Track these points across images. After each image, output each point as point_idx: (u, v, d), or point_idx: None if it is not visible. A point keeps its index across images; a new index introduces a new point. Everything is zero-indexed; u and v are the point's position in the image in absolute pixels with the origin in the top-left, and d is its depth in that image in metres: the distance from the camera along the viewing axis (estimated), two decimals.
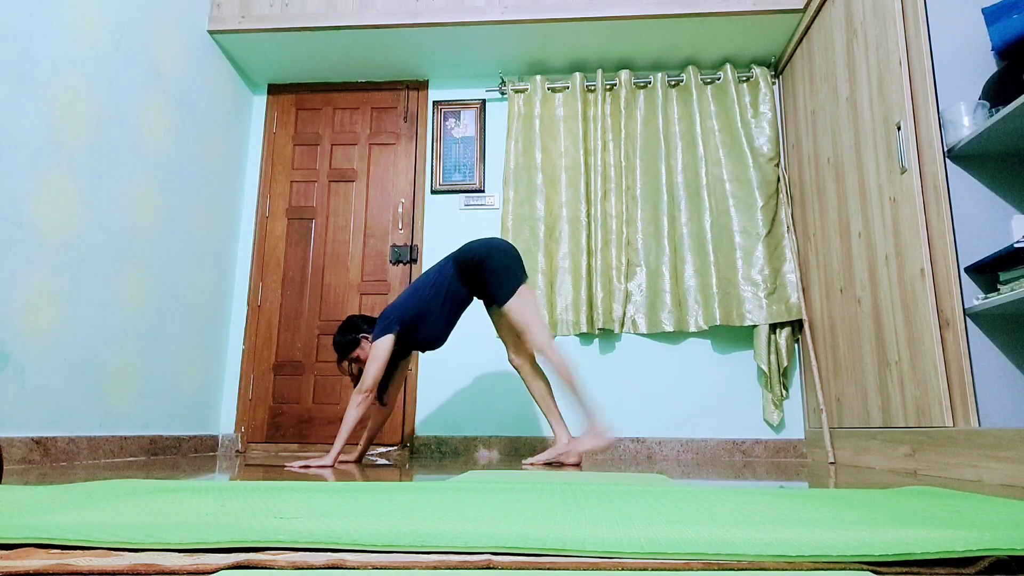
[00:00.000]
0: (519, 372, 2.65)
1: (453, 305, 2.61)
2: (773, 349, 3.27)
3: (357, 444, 3.07)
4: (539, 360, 2.60)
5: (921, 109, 2.17)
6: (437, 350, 3.50)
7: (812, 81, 3.15)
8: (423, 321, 2.58)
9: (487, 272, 2.56)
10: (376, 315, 3.38)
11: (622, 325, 3.40)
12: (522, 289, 2.55)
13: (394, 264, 3.64)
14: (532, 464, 2.57)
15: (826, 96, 2.97)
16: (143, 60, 2.87)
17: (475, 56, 3.61)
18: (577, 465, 2.57)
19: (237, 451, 3.48)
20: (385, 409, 2.83)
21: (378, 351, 2.50)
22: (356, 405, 2.48)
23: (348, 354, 2.65)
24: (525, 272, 2.60)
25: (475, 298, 2.70)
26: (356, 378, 2.72)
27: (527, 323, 2.51)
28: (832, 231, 2.91)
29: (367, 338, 2.65)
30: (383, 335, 2.52)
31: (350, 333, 2.65)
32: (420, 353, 3.50)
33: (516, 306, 2.53)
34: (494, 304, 2.61)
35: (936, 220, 2.09)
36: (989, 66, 2.10)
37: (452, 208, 3.67)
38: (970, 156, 2.07)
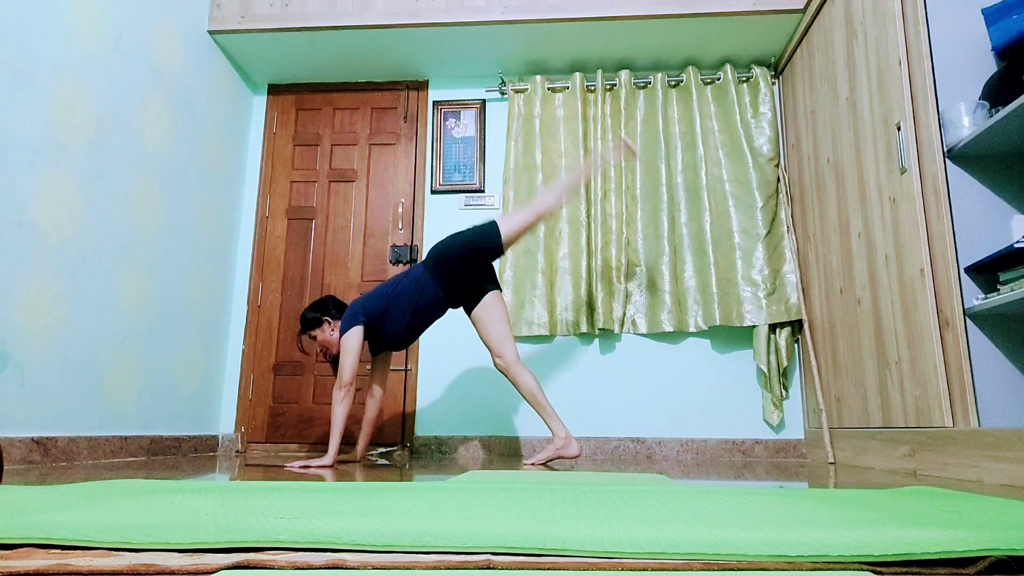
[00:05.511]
0: (506, 375, 2.66)
1: (417, 307, 2.61)
2: (773, 349, 3.27)
3: (354, 443, 3.08)
4: (513, 370, 2.65)
5: (921, 109, 2.17)
6: (438, 350, 3.50)
7: (812, 81, 3.15)
8: (388, 317, 2.61)
9: (464, 249, 2.60)
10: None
11: (622, 325, 3.40)
12: (496, 293, 2.66)
13: (394, 264, 3.64)
14: (532, 464, 2.58)
15: (826, 96, 2.97)
16: (143, 60, 2.87)
17: (475, 56, 3.61)
18: (577, 456, 2.61)
19: (237, 451, 3.48)
20: (376, 402, 2.84)
21: (348, 344, 2.53)
22: (340, 401, 2.52)
23: (308, 330, 2.71)
24: (501, 242, 2.64)
25: (452, 307, 2.72)
26: (303, 348, 2.76)
27: (501, 334, 2.64)
28: (832, 231, 2.91)
29: (329, 322, 2.70)
30: (350, 327, 2.55)
31: (317, 311, 2.70)
32: (420, 353, 3.50)
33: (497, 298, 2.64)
34: (480, 297, 2.64)
35: (936, 220, 2.09)
36: (989, 66, 2.10)
37: (452, 208, 3.67)
38: (970, 156, 2.07)
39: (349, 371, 2.52)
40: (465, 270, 2.60)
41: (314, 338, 2.71)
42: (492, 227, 2.62)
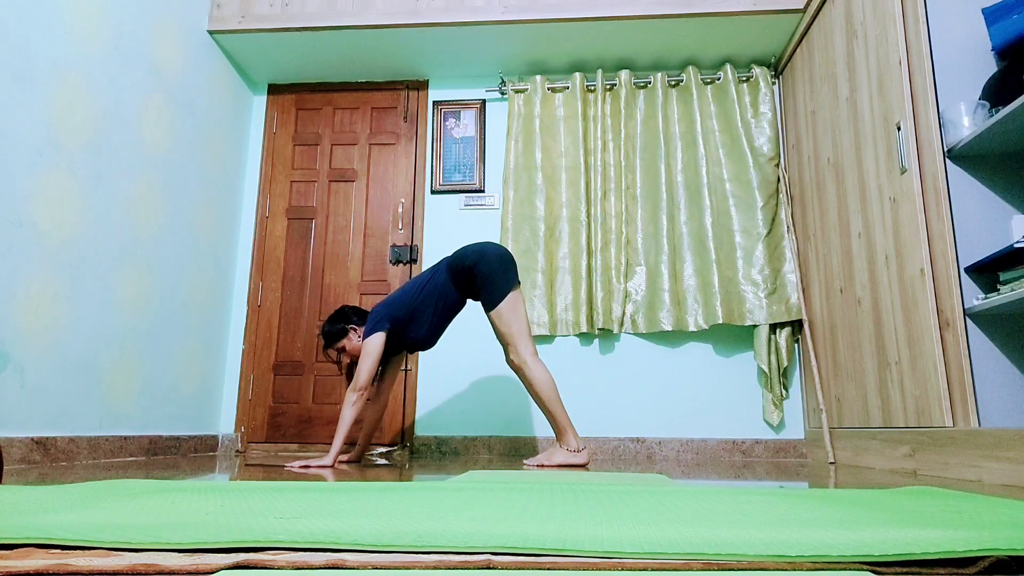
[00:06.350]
0: (517, 374, 2.65)
1: (443, 308, 2.62)
2: (773, 349, 3.27)
3: (355, 444, 3.07)
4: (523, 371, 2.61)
5: (921, 109, 2.17)
6: (438, 350, 3.50)
7: (812, 81, 3.15)
8: (413, 321, 2.60)
9: (477, 278, 2.58)
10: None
11: (621, 325, 3.40)
12: (509, 298, 2.56)
13: (394, 264, 3.64)
14: (541, 465, 2.54)
15: (826, 96, 2.97)
16: (143, 60, 2.87)
17: (475, 56, 3.61)
18: (584, 466, 2.56)
19: (237, 451, 3.48)
20: (379, 406, 2.84)
21: (370, 348, 2.51)
22: (351, 404, 2.49)
23: (334, 344, 2.67)
24: (517, 279, 2.61)
25: (470, 300, 2.71)
26: (342, 368, 2.74)
27: (510, 334, 2.55)
28: (832, 231, 2.91)
29: (355, 330, 2.67)
30: (374, 332, 2.53)
31: (339, 323, 2.67)
32: (420, 353, 3.50)
33: (502, 313, 2.55)
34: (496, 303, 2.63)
35: (936, 220, 2.09)
36: (989, 66, 2.10)
37: (452, 208, 3.67)
38: (970, 156, 2.07)
39: (366, 375, 2.49)
40: (473, 285, 2.61)
41: (342, 350, 2.68)
42: (504, 291, 2.54)
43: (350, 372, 2.74)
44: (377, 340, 2.52)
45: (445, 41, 3.47)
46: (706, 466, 2.58)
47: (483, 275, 2.57)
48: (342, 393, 3.53)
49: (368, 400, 2.87)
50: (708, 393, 3.37)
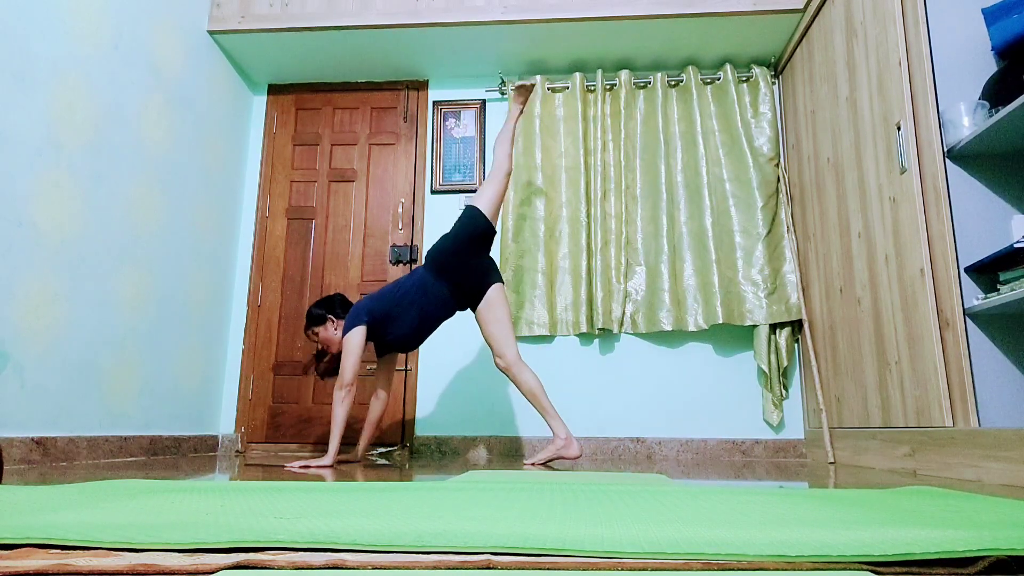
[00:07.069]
0: (507, 374, 2.66)
1: (425, 308, 2.63)
2: (773, 349, 3.27)
3: (354, 443, 3.08)
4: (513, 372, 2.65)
5: (921, 109, 2.17)
6: (437, 350, 3.50)
7: (812, 81, 3.15)
8: (392, 321, 2.62)
9: (457, 242, 2.62)
10: None
11: (621, 325, 3.40)
12: (499, 287, 2.67)
13: (394, 264, 3.64)
14: (533, 464, 2.58)
15: (826, 96, 2.97)
16: (143, 60, 2.87)
17: (475, 56, 3.61)
18: (578, 457, 2.60)
19: (237, 451, 3.48)
20: (380, 402, 2.84)
21: (351, 344, 2.53)
22: (340, 401, 2.52)
23: (312, 326, 2.72)
24: (487, 219, 2.67)
25: (460, 309, 2.72)
26: (318, 357, 2.77)
27: (502, 334, 2.63)
28: (832, 231, 2.91)
29: (333, 321, 2.70)
30: (353, 327, 2.56)
31: (323, 309, 2.72)
32: (420, 353, 3.51)
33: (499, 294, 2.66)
34: (483, 292, 2.65)
35: (936, 220, 2.09)
36: (989, 66, 2.10)
37: (452, 208, 3.67)
38: (970, 156, 2.07)
39: (350, 371, 2.52)
40: (464, 261, 2.62)
41: (316, 335, 2.71)
42: (472, 210, 2.67)
43: (318, 356, 2.77)
44: (356, 336, 2.54)
45: (445, 41, 3.47)
46: (706, 466, 2.58)
47: (463, 234, 2.63)
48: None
49: (367, 398, 2.87)
50: (708, 393, 3.37)
